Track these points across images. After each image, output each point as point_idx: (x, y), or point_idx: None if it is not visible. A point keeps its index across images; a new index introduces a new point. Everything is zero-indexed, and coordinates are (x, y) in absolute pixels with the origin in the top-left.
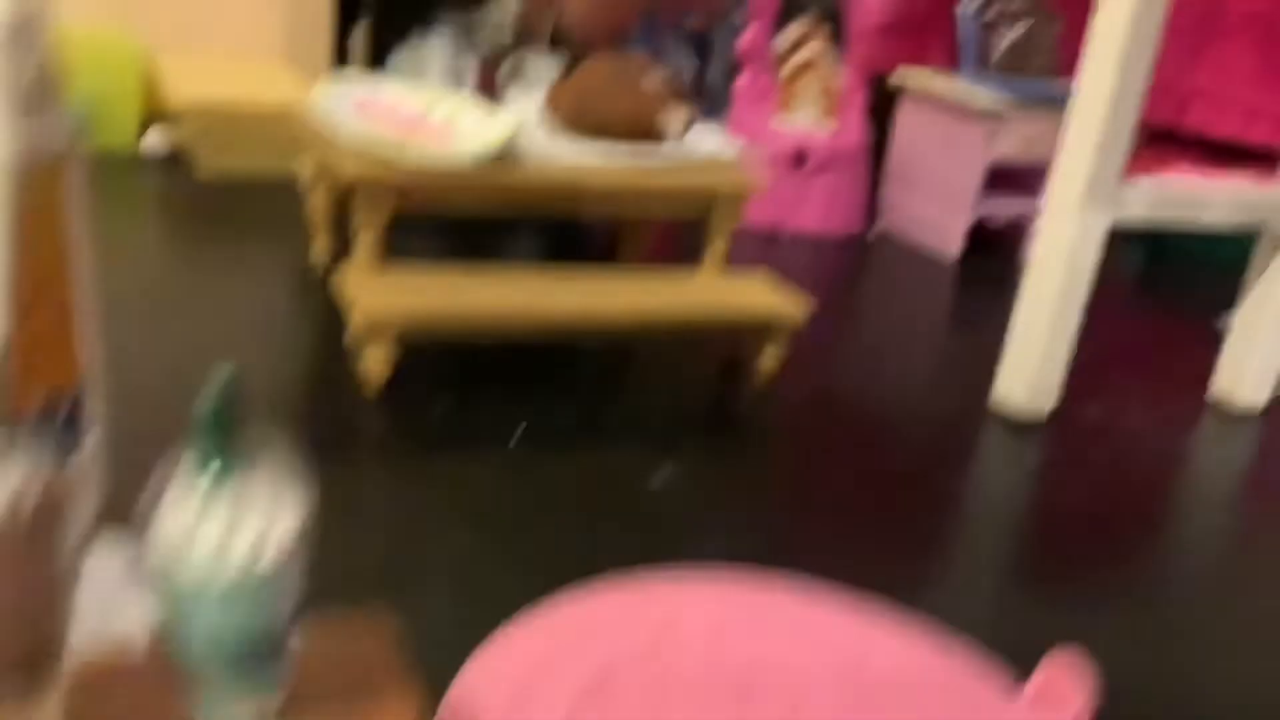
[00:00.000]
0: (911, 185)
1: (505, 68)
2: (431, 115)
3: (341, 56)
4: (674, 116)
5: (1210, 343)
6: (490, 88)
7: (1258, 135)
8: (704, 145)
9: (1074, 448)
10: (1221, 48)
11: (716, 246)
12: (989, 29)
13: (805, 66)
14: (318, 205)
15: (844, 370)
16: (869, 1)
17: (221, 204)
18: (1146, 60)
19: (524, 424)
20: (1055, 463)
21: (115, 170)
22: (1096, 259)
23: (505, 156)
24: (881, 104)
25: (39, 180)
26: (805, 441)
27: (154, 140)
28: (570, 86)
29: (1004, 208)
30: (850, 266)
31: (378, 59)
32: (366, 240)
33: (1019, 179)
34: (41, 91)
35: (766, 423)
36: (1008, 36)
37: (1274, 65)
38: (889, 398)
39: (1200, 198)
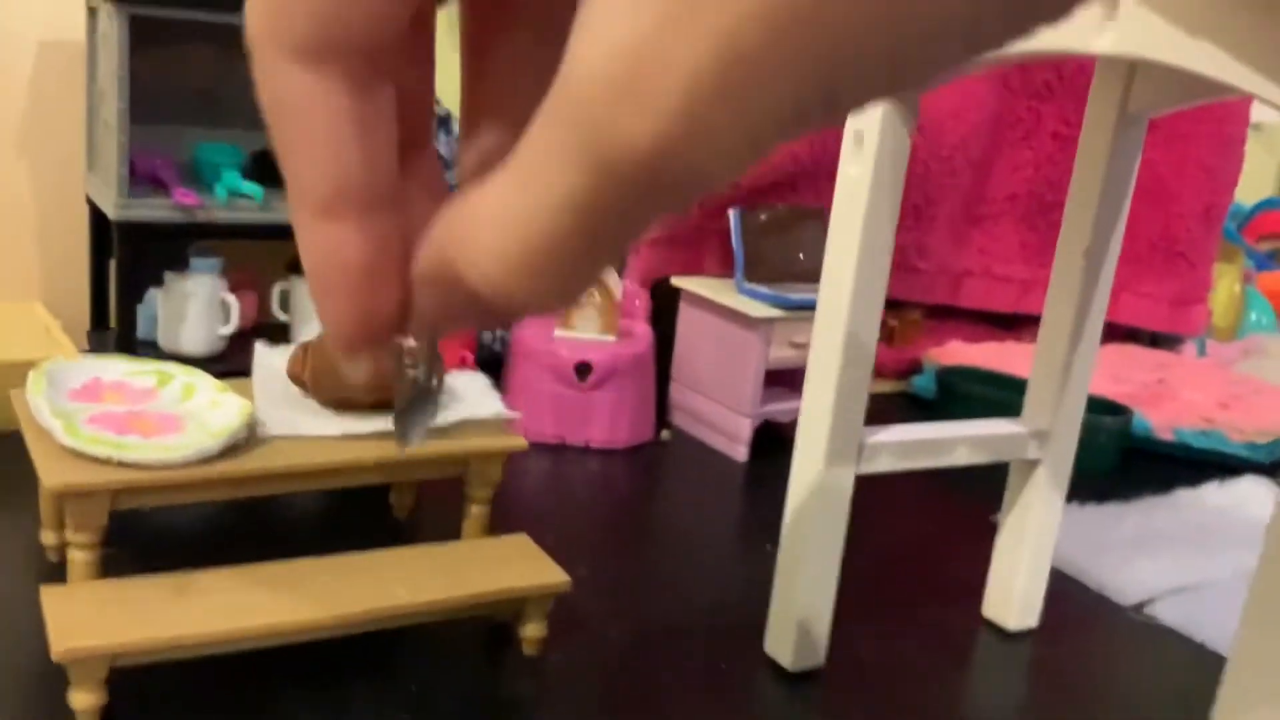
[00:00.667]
0: (696, 388)
1: (276, 295)
2: (161, 395)
3: (100, 298)
4: (416, 384)
5: (987, 537)
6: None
7: (1032, 305)
8: (460, 407)
9: (849, 694)
10: (988, 230)
11: (474, 512)
12: (758, 235)
13: None
14: (45, 497)
15: (621, 614)
16: None
17: None
18: (872, 325)
19: None
20: (832, 712)
21: None
22: (848, 511)
23: (239, 443)
24: (662, 308)
25: None
26: (576, 713)
27: None
28: (310, 353)
29: (786, 408)
30: (639, 477)
31: (127, 301)
32: (80, 558)
33: (797, 380)
34: None
35: (534, 697)
36: (777, 242)
37: (1038, 239)
38: (668, 648)
39: (944, 443)
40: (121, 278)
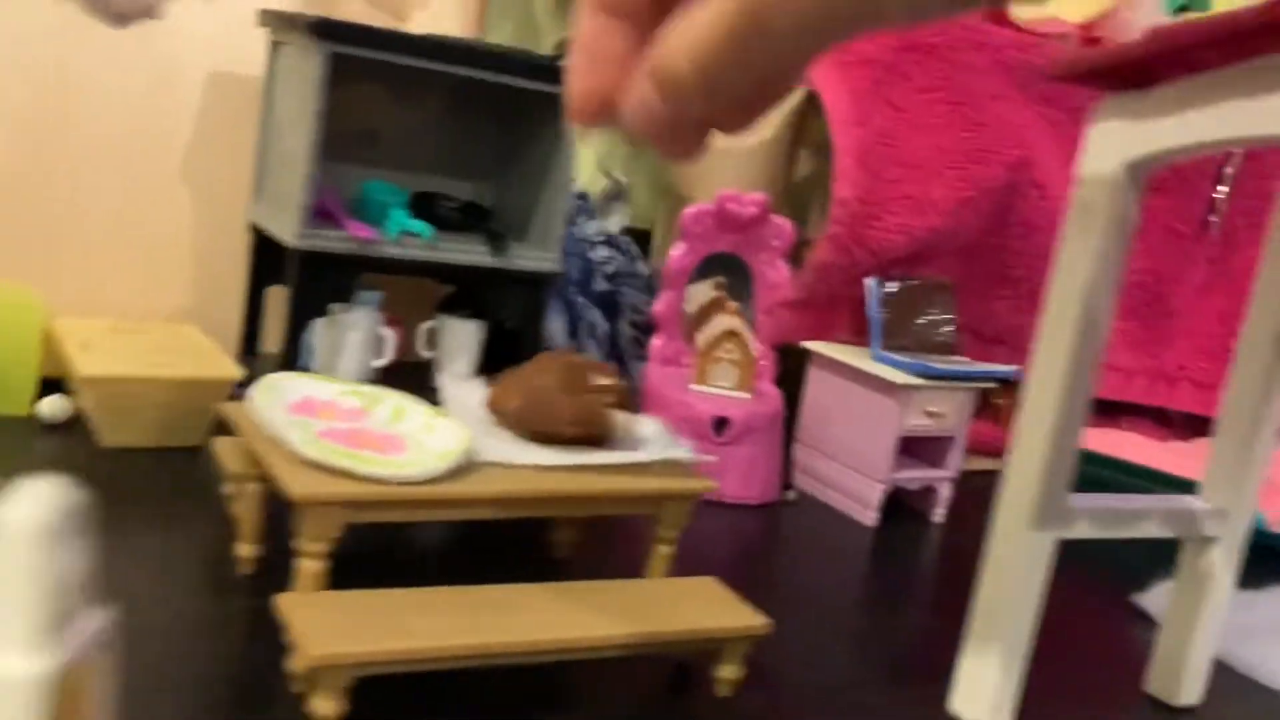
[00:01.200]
0: (824, 451)
1: (422, 334)
2: (372, 415)
3: (253, 323)
4: (622, 421)
5: (1130, 618)
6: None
7: (1134, 395)
8: (653, 447)
9: None
10: None
11: (662, 552)
12: (892, 305)
13: (725, 335)
14: (248, 507)
15: (799, 663)
16: (775, 277)
17: (125, 478)
18: (1085, 393)
19: None
20: None
21: (10, 436)
22: (1047, 577)
23: (461, 468)
24: (786, 373)
25: (67, 691)
26: None
27: (50, 406)
28: (516, 387)
29: (915, 475)
30: (772, 534)
31: (295, 328)
32: (310, 568)
33: (925, 449)
34: (74, 596)
35: None
36: (908, 313)
37: (1143, 330)
38: (853, 700)
39: (1137, 514)
40: (295, 305)
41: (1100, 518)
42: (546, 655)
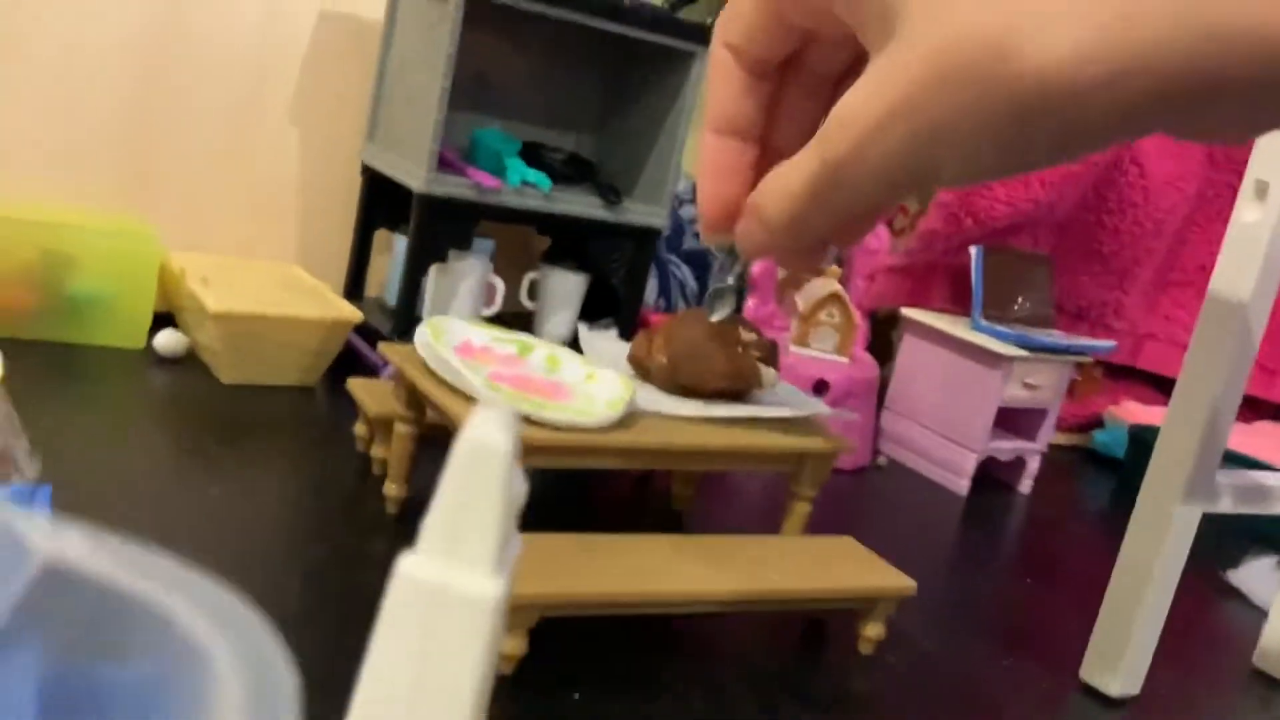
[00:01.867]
0: (917, 420)
1: (525, 284)
2: (528, 363)
3: (359, 266)
4: (768, 376)
5: (1225, 594)
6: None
7: None
8: (795, 403)
9: None
10: (1175, 297)
11: (799, 509)
12: (993, 275)
13: (828, 298)
14: (400, 448)
15: (917, 628)
16: (874, 243)
17: (246, 415)
18: (1247, 365)
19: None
20: None
21: (127, 369)
22: (1188, 550)
23: (624, 418)
24: (875, 339)
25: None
26: (906, 712)
27: (166, 340)
28: (662, 341)
29: (1008, 446)
30: (869, 500)
31: (414, 273)
32: None
33: (1018, 420)
34: (513, 522)
35: (876, 693)
36: (1007, 284)
37: None
38: (986, 664)
39: (1276, 491)
40: (415, 250)
41: (1243, 493)
42: (708, 606)
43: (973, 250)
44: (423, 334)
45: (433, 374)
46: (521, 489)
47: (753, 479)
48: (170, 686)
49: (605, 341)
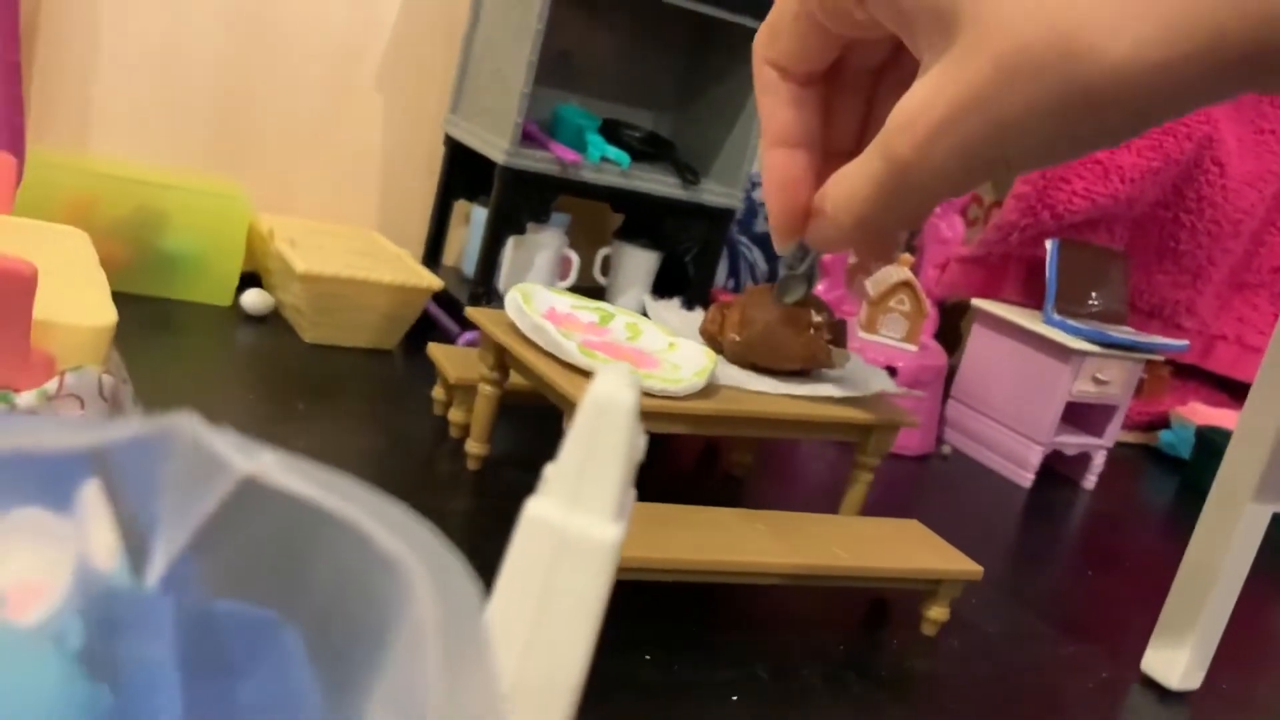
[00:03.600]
0: (983, 410)
1: (599, 260)
2: (610, 330)
3: (438, 236)
4: (839, 356)
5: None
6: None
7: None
8: (865, 380)
9: (1226, 716)
10: (1249, 299)
11: (861, 478)
12: (1067, 269)
13: (899, 285)
14: (483, 408)
15: (977, 614)
16: (948, 232)
17: (330, 374)
18: None
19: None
20: None
21: (214, 325)
22: (1256, 548)
23: (707, 387)
24: (942, 328)
25: None
26: (968, 695)
27: (253, 299)
28: (734, 319)
29: (1074, 441)
30: (932, 487)
31: (493, 243)
32: None
33: (1088, 415)
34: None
35: (937, 674)
36: (1082, 278)
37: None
38: (1047, 651)
39: None
40: (495, 221)
41: None
42: (775, 579)
43: (1049, 243)
44: (514, 299)
45: (523, 338)
46: (641, 444)
47: (808, 453)
48: (364, 595)
49: (671, 312)
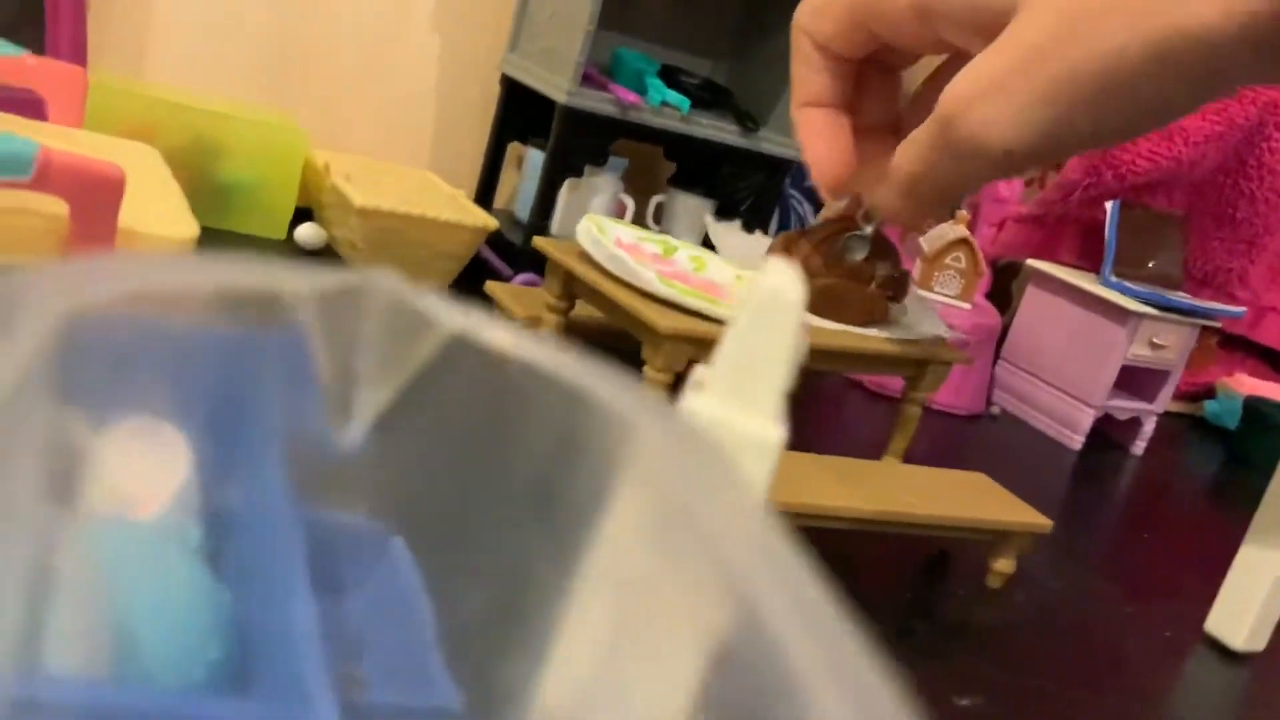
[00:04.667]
0: (1035, 371)
1: (652, 207)
2: (676, 262)
3: (492, 176)
4: (896, 312)
5: None
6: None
7: None
8: (923, 324)
9: None
10: None
11: (909, 413)
12: (1127, 232)
13: (955, 243)
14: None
15: (1038, 570)
16: (1005, 191)
17: None
18: None
19: None
20: (1271, 694)
21: (268, 259)
22: None
23: None
24: (995, 287)
25: None
26: (1035, 647)
27: (307, 233)
28: (799, 267)
29: (1126, 405)
30: (982, 447)
31: (551, 184)
32: (657, 390)
33: (1140, 379)
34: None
35: (1004, 627)
36: (1140, 241)
37: None
38: (1110, 608)
39: None
40: (554, 162)
41: None
42: (844, 523)
43: (1109, 204)
44: (588, 229)
45: (597, 267)
46: (804, 344)
47: (846, 396)
48: (582, 456)
49: (735, 236)
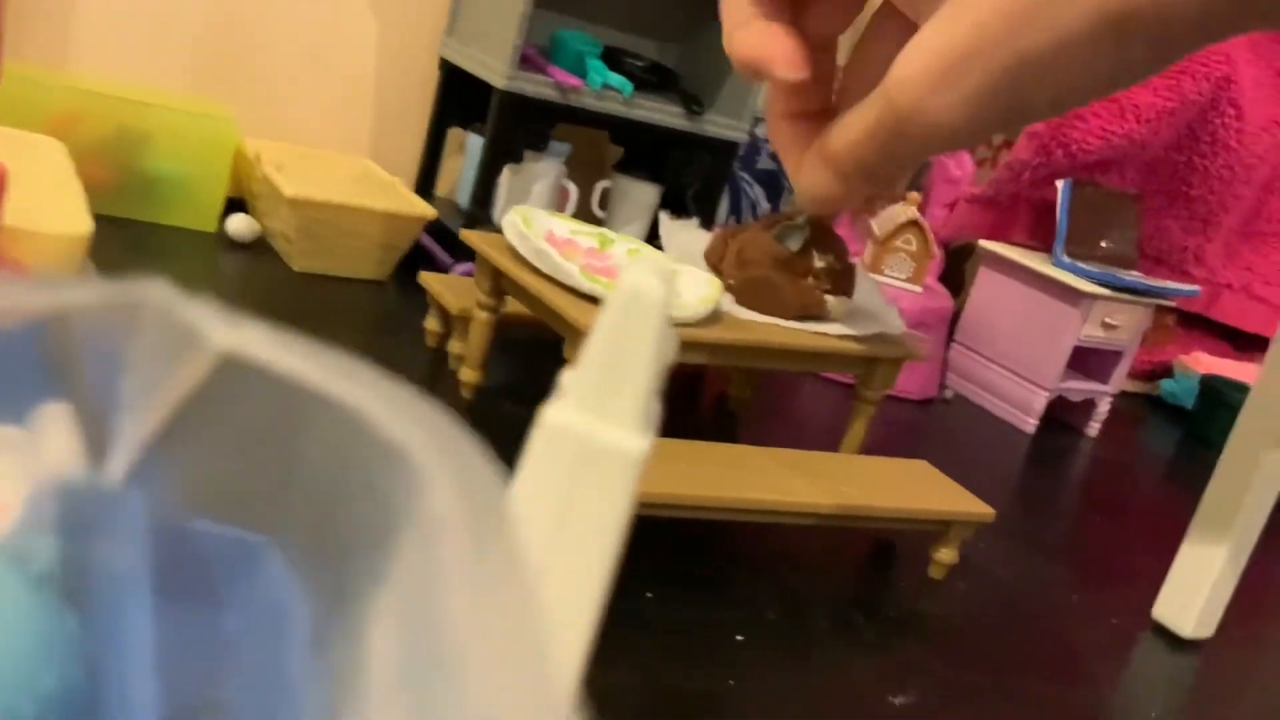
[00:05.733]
0: (988, 354)
1: (597, 193)
2: (610, 255)
3: (432, 163)
4: (837, 306)
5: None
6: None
7: None
8: (871, 317)
9: (1239, 665)
10: (1258, 247)
11: (863, 410)
12: (1079, 211)
13: (906, 225)
14: (478, 335)
15: (984, 559)
16: (957, 171)
17: (320, 303)
18: None
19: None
20: (1222, 679)
21: (198, 251)
22: (1275, 497)
23: (711, 316)
24: (947, 270)
25: None
26: (978, 638)
27: (238, 224)
28: (734, 260)
29: (1079, 387)
30: (935, 432)
31: (489, 171)
32: None
33: (1094, 360)
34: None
35: (942, 616)
36: (1093, 221)
37: None
38: (1055, 596)
39: None
40: (493, 148)
41: None
42: (784, 516)
43: (1060, 183)
44: (514, 222)
45: (523, 262)
46: (671, 347)
47: (805, 391)
48: (364, 490)
49: (687, 232)
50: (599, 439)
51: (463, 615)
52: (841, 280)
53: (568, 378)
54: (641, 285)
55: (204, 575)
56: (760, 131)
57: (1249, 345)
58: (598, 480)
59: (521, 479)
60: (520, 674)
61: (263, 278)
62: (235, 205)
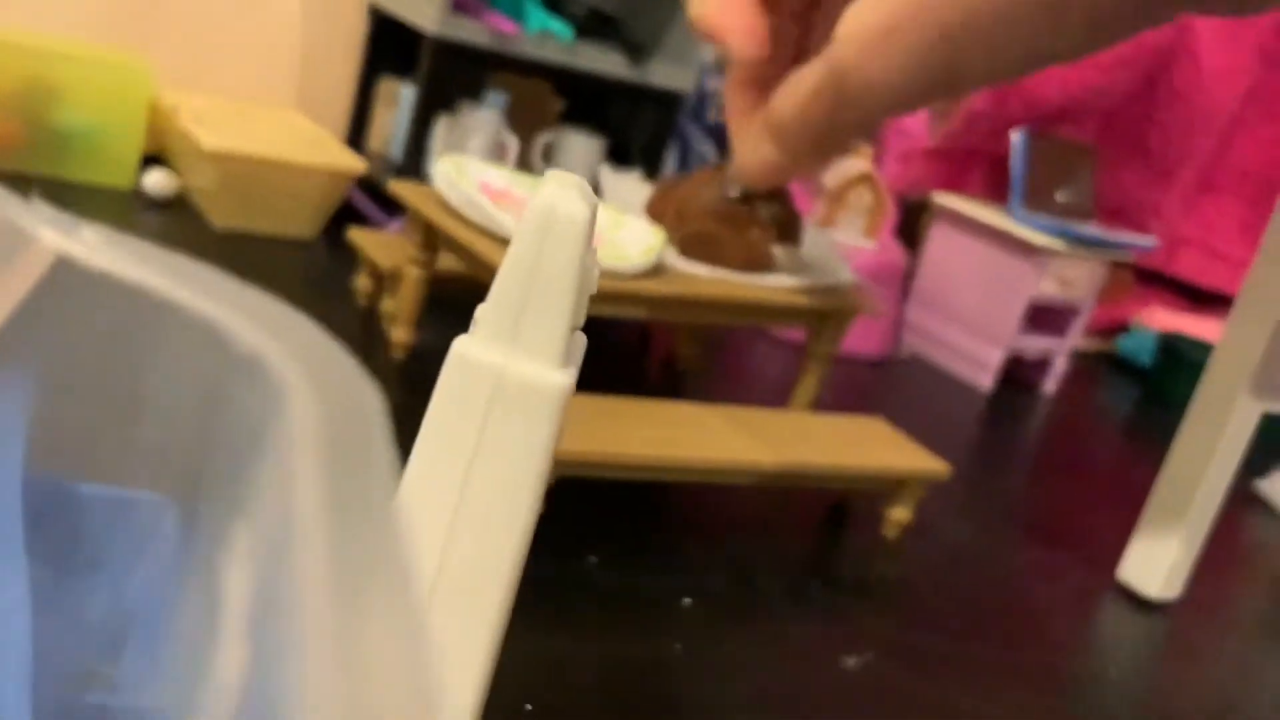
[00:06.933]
0: (943, 311)
1: (539, 147)
2: None
3: (361, 116)
4: (783, 259)
5: (1251, 503)
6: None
7: (1238, 288)
8: (822, 268)
9: (1205, 626)
10: (1215, 202)
11: (814, 368)
12: (1036, 163)
13: (857, 179)
14: (409, 292)
15: (942, 518)
16: (911, 124)
17: (244, 262)
18: None
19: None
20: (1188, 642)
21: (114, 209)
22: (1246, 448)
23: (653, 268)
24: (904, 225)
25: None
26: (934, 600)
27: (156, 180)
28: (675, 214)
29: (1035, 344)
30: (891, 392)
31: (421, 122)
32: None
33: (1050, 317)
34: (582, 310)
35: (902, 579)
36: (1050, 173)
37: (1259, 221)
38: (1018, 556)
39: None
40: (425, 98)
41: None
42: (734, 477)
43: (1015, 135)
44: (445, 172)
45: (455, 215)
46: (595, 273)
47: (756, 349)
48: (221, 410)
49: (628, 184)
50: (513, 373)
51: (310, 564)
52: (788, 229)
53: (481, 309)
54: (559, 203)
55: (89, 539)
56: (710, 84)
57: (1207, 302)
58: (513, 417)
59: (431, 416)
60: (369, 629)
61: (183, 237)
62: (153, 161)
